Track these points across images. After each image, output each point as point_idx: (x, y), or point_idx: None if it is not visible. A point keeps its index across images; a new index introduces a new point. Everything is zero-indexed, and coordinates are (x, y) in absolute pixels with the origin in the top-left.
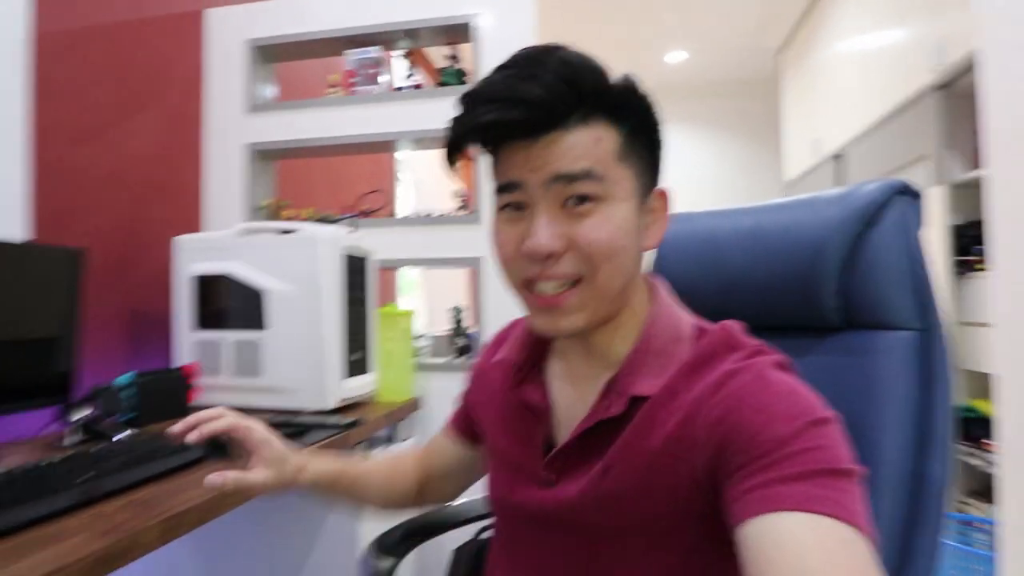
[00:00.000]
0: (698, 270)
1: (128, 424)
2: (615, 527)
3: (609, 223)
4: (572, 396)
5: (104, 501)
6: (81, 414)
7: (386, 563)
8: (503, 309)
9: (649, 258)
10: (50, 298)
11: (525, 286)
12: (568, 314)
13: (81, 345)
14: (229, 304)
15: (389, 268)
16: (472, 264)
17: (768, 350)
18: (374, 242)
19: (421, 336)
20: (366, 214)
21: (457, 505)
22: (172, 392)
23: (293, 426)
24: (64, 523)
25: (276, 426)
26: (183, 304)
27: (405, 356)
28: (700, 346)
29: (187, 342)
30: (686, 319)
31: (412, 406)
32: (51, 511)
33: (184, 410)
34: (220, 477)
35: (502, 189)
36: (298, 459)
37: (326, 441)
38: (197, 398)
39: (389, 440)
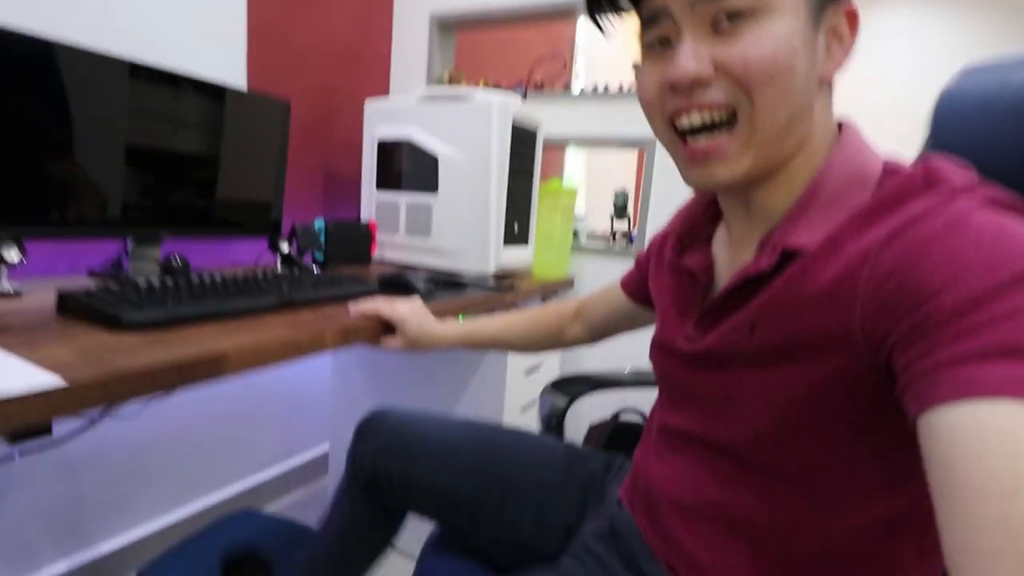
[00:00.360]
0: (1004, 141)
1: (318, 263)
2: (756, 388)
3: (768, 37)
4: (732, 257)
5: (297, 308)
6: (284, 247)
7: (562, 401)
8: (669, 198)
9: (914, 121)
10: (265, 142)
11: (671, 128)
12: (726, 160)
13: (284, 189)
14: (407, 167)
15: (556, 146)
16: (642, 145)
17: (987, 186)
18: (544, 115)
19: (582, 219)
20: (539, 87)
21: (624, 372)
22: (357, 241)
23: (453, 283)
24: (265, 317)
25: (437, 282)
26: (369, 164)
27: (564, 235)
28: (885, 189)
29: (370, 200)
30: (877, 162)
31: (566, 284)
32: (257, 306)
33: (366, 259)
34: (357, 311)
35: (645, 24)
36: (436, 330)
37: (482, 295)
38: (376, 252)
39: None
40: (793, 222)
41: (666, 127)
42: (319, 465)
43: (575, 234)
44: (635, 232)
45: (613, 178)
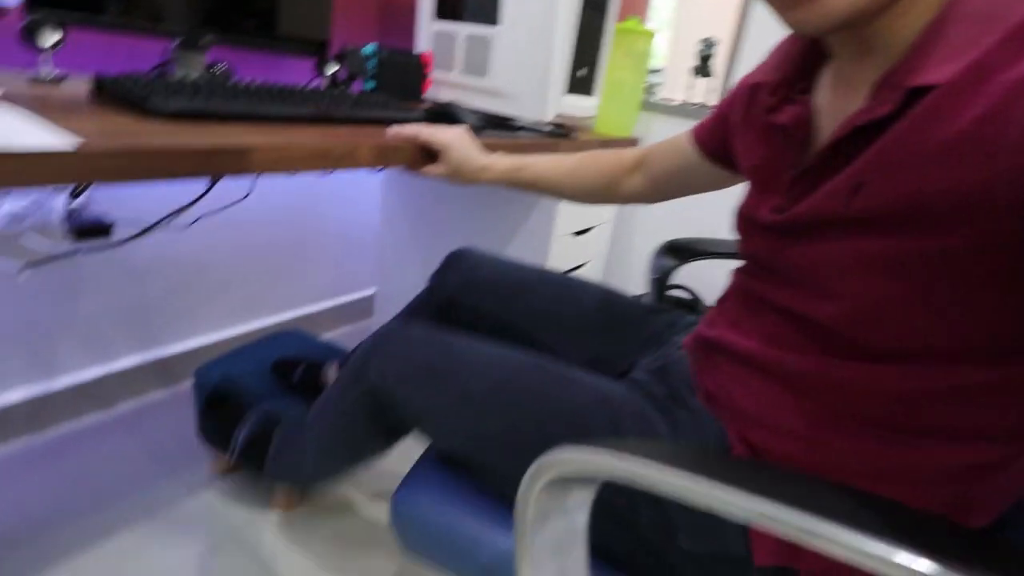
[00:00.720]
0: None
1: (369, 92)
2: (851, 262)
3: None
4: (837, 107)
5: (334, 124)
6: (331, 70)
7: (670, 263)
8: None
9: None
10: None
11: None
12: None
13: (333, 8)
14: None
15: None
16: None
17: None
18: None
19: (659, 70)
20: None
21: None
22: (409, 73)
23: (506, 123)
24: (300, 127)
25: (489, 119)
26: None
27: (635, 87)
28: None
29: (426, 31)
30: None
31: (628, 143)
32: (293, 113)
33: (418, 95)
34: (395, 132)
35: None
36: (481, 161)
37: (535, 139)
38: (430, 89)
39: None
40: (923, 54)
41: None
42: (366, 306)
43: (648, 88)
44: (711, 103)
45: (706, 27)
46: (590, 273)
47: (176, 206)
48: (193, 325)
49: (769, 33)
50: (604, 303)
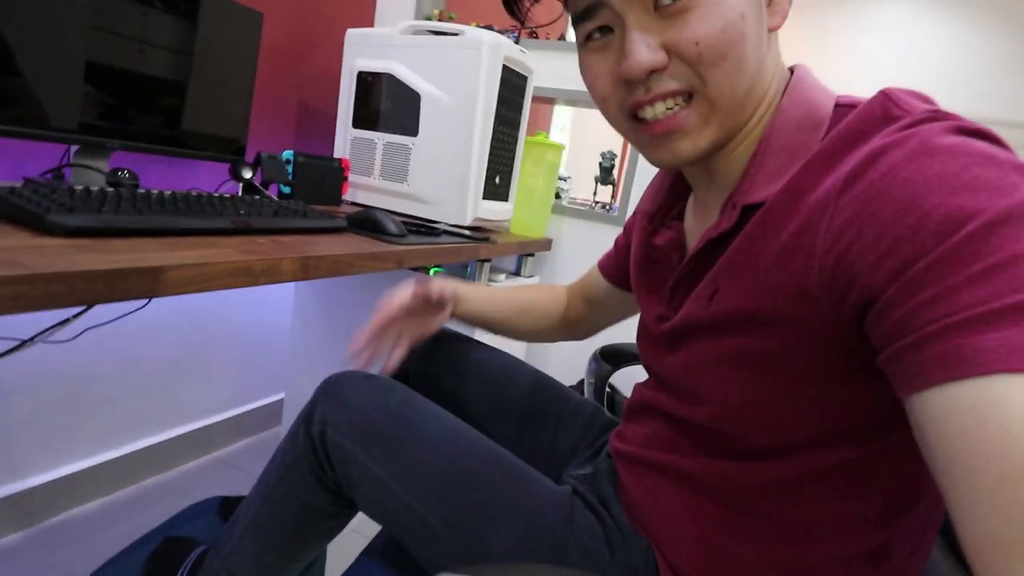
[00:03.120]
0: None
1: (284, 197)
2: (715, 361)
3: (715, 13)
4: (699, 227)
5: (254, 235)
6: (247, 175)
7: (606, 368)
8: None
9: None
10: (231, 55)
11: (632, 118)
12: (688, 135)
13: (251, 114)
14: (387, 105)
15: (544, 100)
16: None
17: (953, 116)
18: (534, 65)
19: (566, 178)
20: (532, 33)
21: None
22: (327, 179)
23: (428, 229)
24: (217, 240)
25: (411, 225)
26: (346, 99)
27: (546, 193)
28: (840, 127)
29: (345, 138)
30: (829, 99)
31: (543, 245)
32: (209, 227)
33: (336, 199)
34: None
35: (580, 18)
36: (456, 294)
37: (457, 245)
38: (348, 192)
39: (516, 273)
40: (751, 178)
41: (624, 118)
42: (273, 413)
43: (557, 194)
44: (615, 204)
45: (600, 142)
46: None
47: (59, 318)
48: (62, 452)
49: None
50: (558, 396)
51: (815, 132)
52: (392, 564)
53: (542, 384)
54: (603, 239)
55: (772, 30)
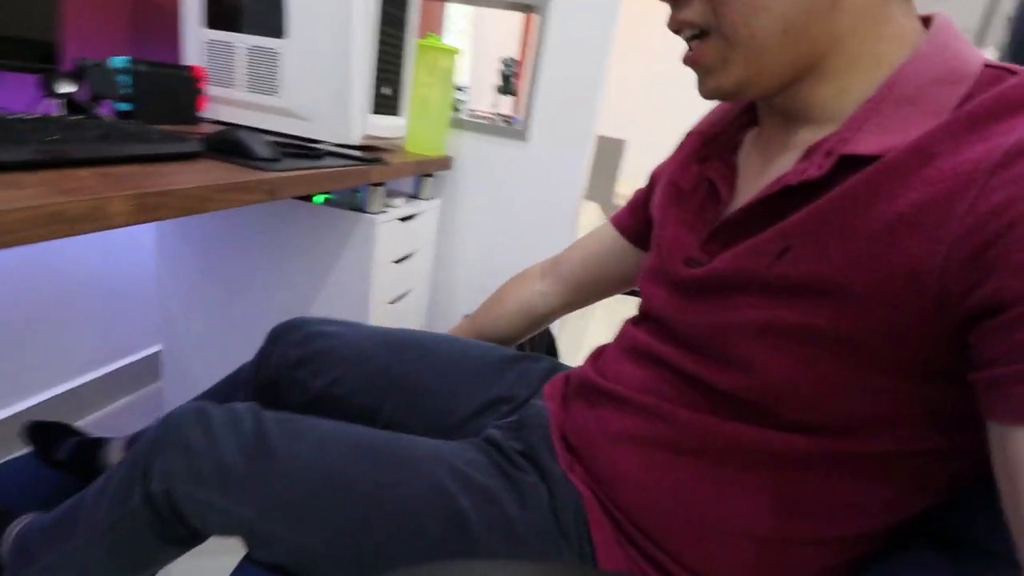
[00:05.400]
0: None
1: (124, 116)
2: (763, 328)
3: None
4: (760, 169)
5: (73, 167)
6: (65, 89)
7: None
8: (560, 75)
9: None
10: None
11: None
12: (710, 72)
13: (64, 7)
14: (243, 0)
15: None
16: (536, 7)
17: None
18: None
19: (463, 88)
20: None
21: None
22: (177, 92)
23: (308, 150)
24: (19, 176)
25: (288, 147)
26: None
27: (442, 105)
28: (997, 90)
29: (195, 41)
30: (975, 57)
31: (443, 163)
32: (7, 159)
33: (192, 117)
34: None
35: None
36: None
37: (344, 168)
38: (206, 108)
39: (414, 196)
40: (857, 125)
41: None
42: (150, 367)
43: (455, 107)
44: (518, 117)
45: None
46: (415, 300)
47: None
48: None
49: (562, 57)
50: (459, 357)
51: (955, 88)
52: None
53: (440, 348)
54: (508, 155)
55: None
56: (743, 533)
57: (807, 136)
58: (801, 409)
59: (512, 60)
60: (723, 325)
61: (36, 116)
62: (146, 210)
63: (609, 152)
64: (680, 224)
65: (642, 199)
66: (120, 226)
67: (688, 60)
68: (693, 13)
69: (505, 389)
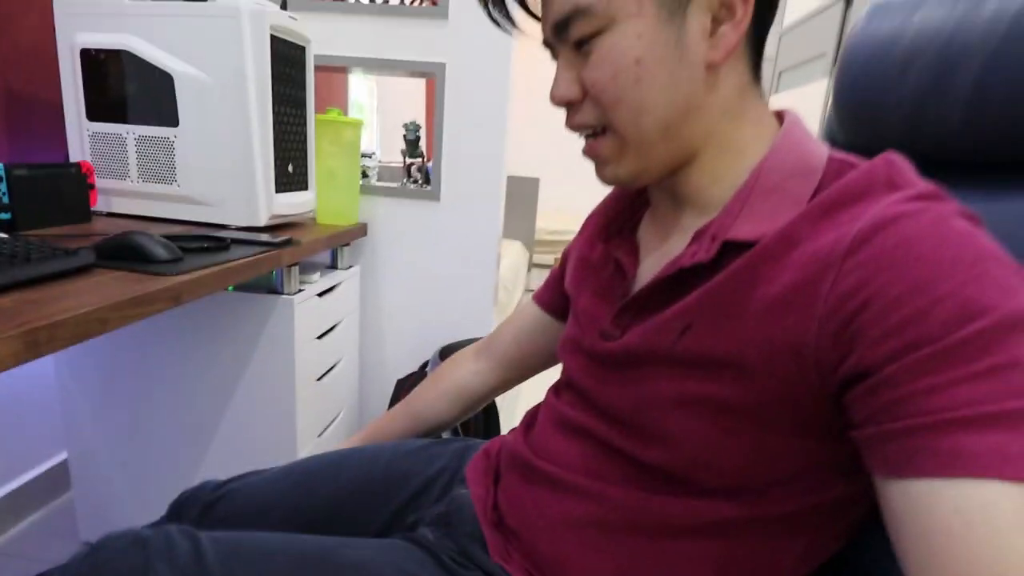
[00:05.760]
0: (900, 88)
1: (2, 227)
2: (675, 399)
3: (606, 58)
4: (659, 248)
5: None
6: None
7: None
8: (464, 133)
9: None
10: None
11: None
12: (607, 163)
13: None
14: (132, 89)
15: (333, 69)
16: (433, 72)
17: (950, 198)
18: (315, 32)
19: (371, 155)
20: None
21: None
22: (63, 192)
23: (214, 240)
24: None
25: (189, 239)
26: (72, 85)
27: (350, 174)
28: (842, 182)
29: (81, 135)
30: (821, 151)
31: (358, 231)
32: None
33: (84, 215)
34: None
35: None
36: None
37: (254, 258)
38: (100, 203)
39: (332, 266)
40: (732, 213)
41: None
42: (59, 478)
43: (364, 173)
44: (431, 165)
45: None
46: (345, 370)
47: None
48: None
49: (463, 116)
50: (369, 464)
51: (808, 180)
52: None
53: (348, 462)
54: (422, 217)
55: (711, 65)
56: None
57: (693, 220)
58: (720, 475)
59: (415, 124)
60: (640, 398)
61: None
62: (36, 346)
63: (525, 190)
64: (593, 295)
65: (558, 275)
66: (10, 368)
67: (587, 152)
68: (587, 116)
69: (423, 479)
